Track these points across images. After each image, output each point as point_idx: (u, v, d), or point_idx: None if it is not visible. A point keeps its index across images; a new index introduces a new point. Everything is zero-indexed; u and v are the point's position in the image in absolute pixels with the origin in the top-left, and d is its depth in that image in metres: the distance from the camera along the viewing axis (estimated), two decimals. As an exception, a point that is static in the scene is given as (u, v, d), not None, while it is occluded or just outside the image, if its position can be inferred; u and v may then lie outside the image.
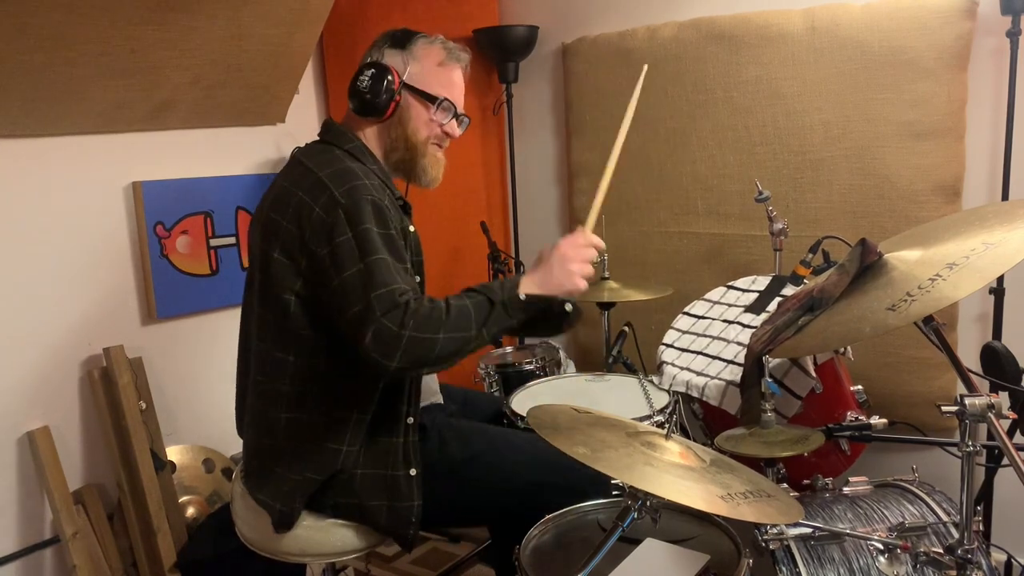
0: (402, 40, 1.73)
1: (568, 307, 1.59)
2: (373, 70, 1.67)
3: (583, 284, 1.58)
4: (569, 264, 1.57)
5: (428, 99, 1.72)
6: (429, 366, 1.52)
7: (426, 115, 1.72)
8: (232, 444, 2.79)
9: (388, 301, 1.47)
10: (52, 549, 2.37)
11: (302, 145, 1.79)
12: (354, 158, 1.67)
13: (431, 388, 1.95)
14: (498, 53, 2.99)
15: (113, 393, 2.43)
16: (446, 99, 1.73)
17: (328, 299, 1.55)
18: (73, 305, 2.42)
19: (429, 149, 1.74)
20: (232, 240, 2.81)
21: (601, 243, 1.63)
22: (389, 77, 1.67)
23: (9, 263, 2.28)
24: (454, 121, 1.76)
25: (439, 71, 1.73)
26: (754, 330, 1.78)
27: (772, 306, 2.02)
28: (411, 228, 1.70)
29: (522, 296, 1.53)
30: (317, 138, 1.77)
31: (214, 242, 2.75)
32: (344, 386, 1.63)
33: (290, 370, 1.62)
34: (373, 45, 1.76)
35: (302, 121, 3.04)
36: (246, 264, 2.86)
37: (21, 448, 2.31)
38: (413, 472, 1.66)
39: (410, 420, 1.68)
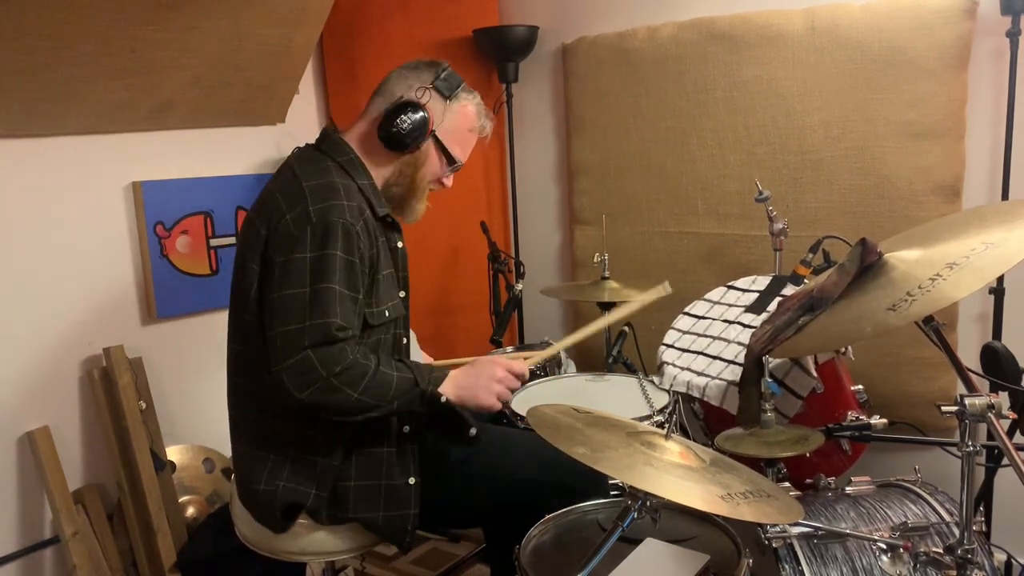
0: (449, 88, 1.72)
1: (472, 431, 1.68)
2: (419, 115, 1.67)
3: (497, 406, 1.66)
4: (495, 385, 1.64)
5: (448, 158, 1.76)
6: (330, 414, 1.55)
7: (439, 168, 1.77)
8: (232, 444, 2.79)
9: (321, 333, 1.49)
10: (52, 549, 2.37)
11: (302, 145, 1.79)
12: (345, 172, 1.66)
13: None
14: (498, 53, 2.99)
15: (113, 393, 2.43)
16: (461, 164, 1.79)
17: (265, 308, 1.55)
18: (73, 305, 2.42)
19: (426, 193, 1.80)
20: (232, 240, 2.80)
21: (527, 377, 1.73)
22: (426, 125, 1.69)
23: (9, 263, 2.28)
24: (451, 176, 1.82)
25: (466, 136, 1.78)
26: (754, 330, 1.78)
27: (772, 306, 2.02)
28: (399, 244, 1.71)
29: (443, 399, 1.59)
30: (314, 143, 1.77)
31: (214, 242, 2.75)
32: None
33: (264, 373, 1.59)
34: (412, 70, 1.74)
35: (302, 121, 3.04)
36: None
37: (21, 448, 2.31)
38: (412, 481, 1.65)
39: (406, 429, 1.67)
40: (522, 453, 1.72)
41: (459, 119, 1.75)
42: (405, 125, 1.66)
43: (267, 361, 1.55)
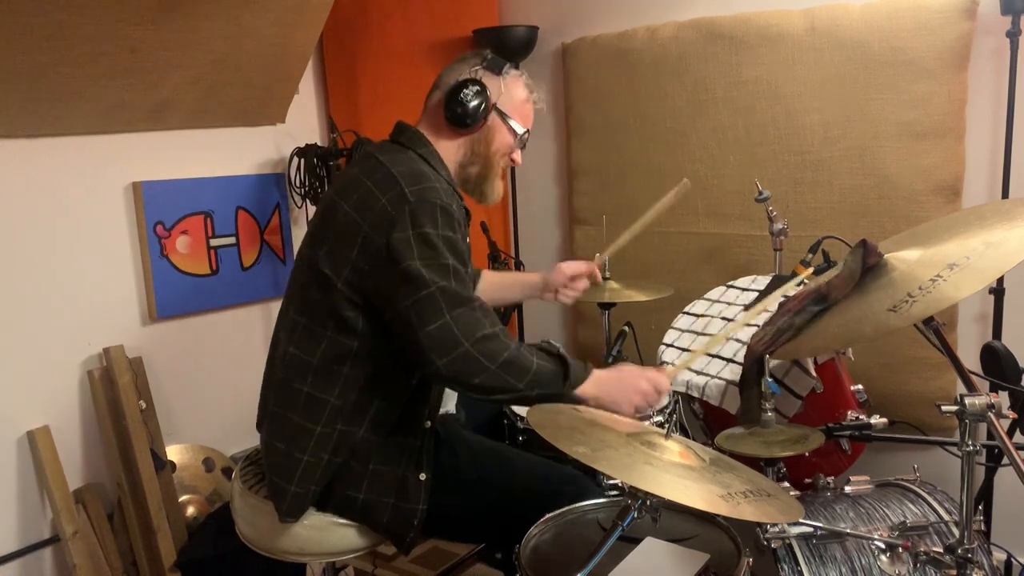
0: (497, 66, 1.81)
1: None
2: (477, 87, 1.74)
3: (632, 415, 1.63)
4: (637, 397, 1.64)
5: (513, 129, 1.82)
6: (464, 388, 1.57)
7: (508, 141, 1.82)
8: (232, 443, 2.79)
9: (456, 298, 1.53)
10: (52, 548, 2.38)
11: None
12: (427, 164, 1.71)
13: (449, 395, 1.95)
14: (498, 53, 2.96)
15: (113, 393, 2.43)
16: (527, 132, 1.85)
17: (382, 287, 1.57)
18: (73, 305, 2.42)
19: (500, 171, 1.85)
20: (232, 240, 2.81)
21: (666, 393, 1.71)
22: (488, 97, 1.76)
23: (9, 263, 2.28)
24: (520, 151, 1.87)
25: (523, 106, 1.85)
26: (755, 330, 1.78)
27: (772, 306, 2.02)
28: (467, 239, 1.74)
29: (577, 403, 1.58)
30: (388, 138, 1.80)
31: (214, 242, 2.75)
32: (377, 375, 1.64)
33: (324, 344, 1.63)
34: (460, 62, 1.82)
35: (302, 121, 3.04)
36: (247, 264, 2.87)
37: (21, 448, 2.31)
38: (423, 477, 1.66)
39: (428, 424, 1.70)
40: (534, 482, 1.71)
41: (514, 91, 1.83)
42: (468, 99, 1.73)
43: (353, 335, 1.59)
